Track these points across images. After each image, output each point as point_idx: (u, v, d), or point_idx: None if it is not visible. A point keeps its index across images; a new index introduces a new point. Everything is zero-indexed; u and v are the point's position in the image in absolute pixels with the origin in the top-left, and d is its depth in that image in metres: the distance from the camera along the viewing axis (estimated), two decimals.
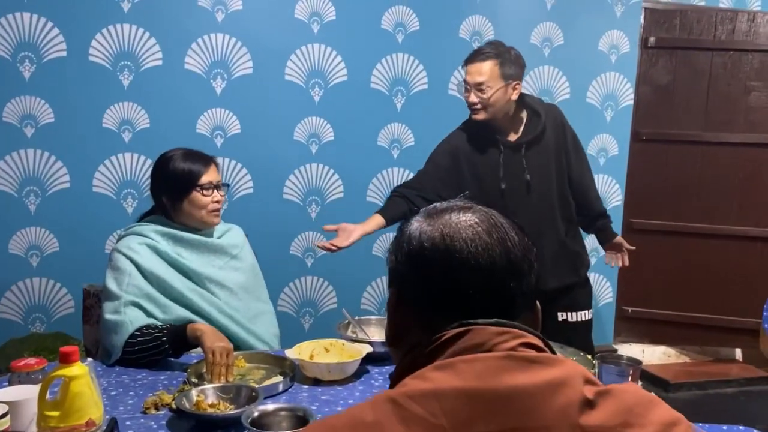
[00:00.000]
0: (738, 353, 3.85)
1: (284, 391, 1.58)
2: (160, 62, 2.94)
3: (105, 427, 1.18)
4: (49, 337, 2.82)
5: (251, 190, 3.14)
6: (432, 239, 0.77)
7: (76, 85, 2.86)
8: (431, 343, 0.74)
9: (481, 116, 2.27)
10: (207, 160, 1.94)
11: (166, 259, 1.87)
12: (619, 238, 2.48)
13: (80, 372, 1.14)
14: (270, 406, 1.19)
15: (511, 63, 2.24)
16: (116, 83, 2.90)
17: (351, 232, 2.26)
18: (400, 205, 2.35)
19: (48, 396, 1.15)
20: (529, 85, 3.42)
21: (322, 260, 3.26)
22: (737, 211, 3.46)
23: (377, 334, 1.94)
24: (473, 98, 2.25)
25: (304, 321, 3.32)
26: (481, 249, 0.75)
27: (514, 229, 0.79)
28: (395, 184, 3.32)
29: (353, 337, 1.85)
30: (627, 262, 2.49)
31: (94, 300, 2.24)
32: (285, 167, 3.19)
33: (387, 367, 1.76)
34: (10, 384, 1.36)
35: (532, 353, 0.72)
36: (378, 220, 2.34)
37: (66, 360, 1.14)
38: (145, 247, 1.86)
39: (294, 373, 1.65)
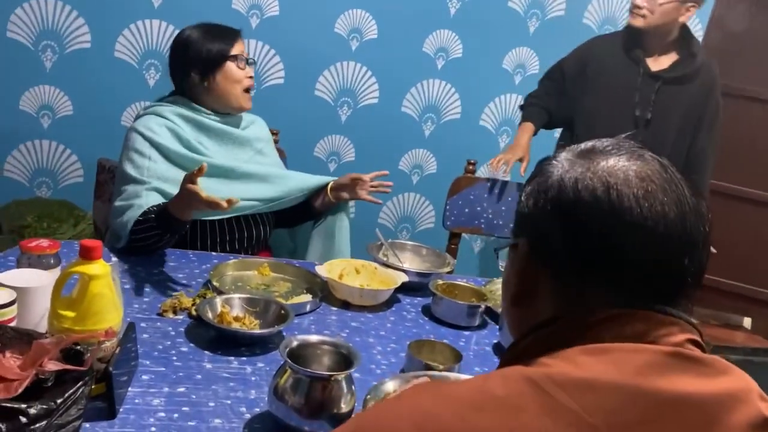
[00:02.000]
0: (747, 322, 3.77)
1: (311, 311, 1.46)
2: None
3: (123, 332, 1.05)
4: (55, 204, 2.69)
5: (281, 81, 2.92)
6: (592, 189, 0.62)
7: None
8: (579, 321, 0.60)
9: (639, 22, 2.07)
10: (235, 31, 1.78)
11: (186, 146, 1.69)
12: None
13: (102, 271, 1.00)
14: (313, 337, 1.06)
15: None
16: None
17: (520, 148, 2.19)
18: (543, 116, 2.29)
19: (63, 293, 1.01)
20: (595, 11, 3.14)
21: (345, 167, 3.09)
22: None
23: (408, 261, 1.81)
24: (642, 1, 2.04)
25: None
26: (655, 210, 0.61)
27: (689, 188, 0.64)
28: (434, 97, 3.10)
29: (384, 261, 1.72)
30: None
31: (108, 175, 2.10)
32: (321, 61, 2.95)
33: (419, 298, 1.64)
34: (19, 265, 1.23)
35: (700, 354, 0.59)
36: (531, 128, 2.26)
37: (87, 255, 1.00)
38: (165, 129, 1.68)
39: (323, 293, 1.53)
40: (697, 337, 0.61)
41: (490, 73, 3.12)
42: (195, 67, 1.72)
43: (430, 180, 3.22)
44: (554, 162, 0.67)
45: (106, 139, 2.76)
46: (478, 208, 2.28)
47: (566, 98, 2.28)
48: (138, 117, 1.74)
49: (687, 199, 0.62)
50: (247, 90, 1.76)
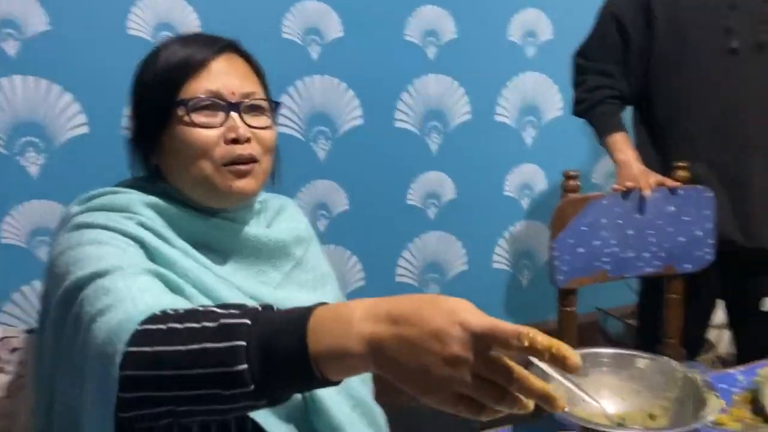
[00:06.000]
0: None
1: None
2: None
3: None
4: None
5: (361, 121, 2.36)
6: None
7: None
8: None
9: None
10: (209, 45, 0.90)
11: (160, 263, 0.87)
12: None
13: None
14: None
15: None
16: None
17: (642, 170, 1.62)
18: (620, 111, 1.75)
19: None
20: None
21: (447, 210, 2.52)
22: None
23: (609, 392, 1.23)
24: None
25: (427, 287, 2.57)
26: None
27: None
28: (530, 94, 2.51)
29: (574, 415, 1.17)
30: None
31: None
32: (396, 80, 2.37)
33: None
34: None
35: None
36: (626, 138, 1.72)
37: None
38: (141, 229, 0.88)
39: None
40: None
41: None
42: (138, 120, 0.94)
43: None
44: None
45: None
46: (596, 242, 1.54)
47: (633, 63, 1.70)
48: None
49: None
50: (234, 163, 0.89)
